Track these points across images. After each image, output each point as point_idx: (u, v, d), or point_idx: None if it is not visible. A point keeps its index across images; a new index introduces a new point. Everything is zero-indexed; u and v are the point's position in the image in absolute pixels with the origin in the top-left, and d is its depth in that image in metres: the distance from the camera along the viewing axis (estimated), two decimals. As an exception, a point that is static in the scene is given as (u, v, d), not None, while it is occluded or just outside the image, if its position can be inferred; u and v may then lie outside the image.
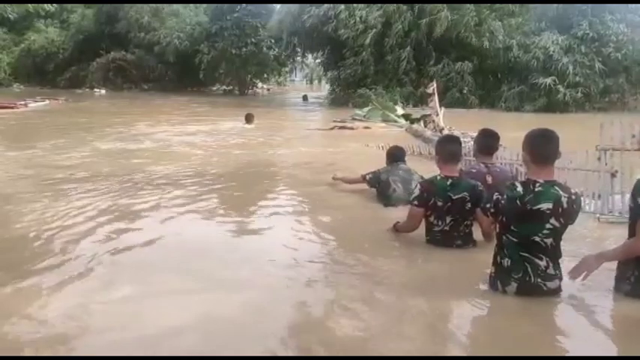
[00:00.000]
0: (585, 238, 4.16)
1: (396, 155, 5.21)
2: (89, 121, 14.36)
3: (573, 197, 2.91)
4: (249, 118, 13.51)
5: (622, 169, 4.80)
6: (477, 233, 3.77)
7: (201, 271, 3.40)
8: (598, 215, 4.67)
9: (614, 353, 2.56)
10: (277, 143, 10.59)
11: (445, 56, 21.75)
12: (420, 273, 3.56)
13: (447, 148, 3.83)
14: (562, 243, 3.00)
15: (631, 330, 2.72)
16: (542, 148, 2.94)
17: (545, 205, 2.85)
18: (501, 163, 5.61)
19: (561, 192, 2.89)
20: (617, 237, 4.11)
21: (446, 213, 3.66)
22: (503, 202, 2.95)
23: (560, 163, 5.30)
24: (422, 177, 4.66)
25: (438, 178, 3.74)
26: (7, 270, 3.29)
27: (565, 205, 2.86)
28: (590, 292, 3.02)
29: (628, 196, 4.75)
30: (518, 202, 2.88)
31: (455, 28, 20.97)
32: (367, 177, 5.15)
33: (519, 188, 2.92)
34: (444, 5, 20.76)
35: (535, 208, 2.85)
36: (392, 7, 21.26)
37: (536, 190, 2.87)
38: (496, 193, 3.03)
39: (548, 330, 2.72)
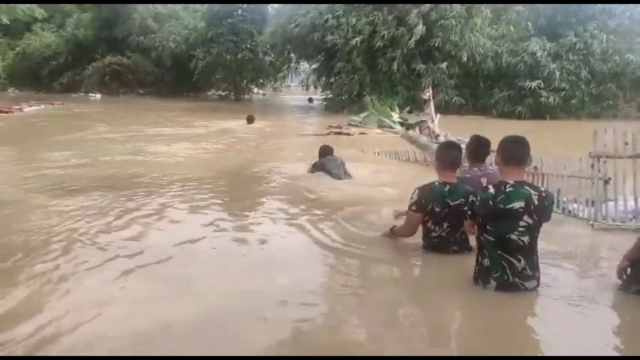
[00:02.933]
0: (579, 245, 4.21)
1: (326, 152, 7.25)
2: (81, 125, 14.36)
3: (544, 195, 3.10)
4: (250, 119, 15.08)
5: (615, 176, 4.87)
6: (473, 239, 3.80)
7: (192, 272, 3.43)
8: (592, 222, 4.72)
9: (617, 352, 2.61)
10: (272, 148, 10.63)
11: (433, 63, 21.85)
12: (415, 276, 3.60)
13: (448, 154, 3.86)
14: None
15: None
16: (512, 151, 3.15)
17: (518, 204, 3.02)
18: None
19: (531, 190, 3.07)
20: (610, 243, 4.19)
21: (443, 219, 3.69)
22: (477, 203, 3.13)
23: (554, 169, 5.41)
24: (343, 161, 7.05)
25: (436, 183, 3.76)
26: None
27: (536, 202, 3.03)
28: (592, 292, 3.13)
29: (621, 202, 4.85)
30: (490, 202, 3.06)
31: (441, 38, 21.21)
32: (310, 168, 7.09)
33: (491, 190, 3.11)
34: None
35: (508, 207, 3.03)
36: (378, 15, 21.48)
37: (507, 190, 3.05)
38: (471, 196, 3.22)
39: (548, 330, 2.76)
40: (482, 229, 3.14)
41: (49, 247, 3.89)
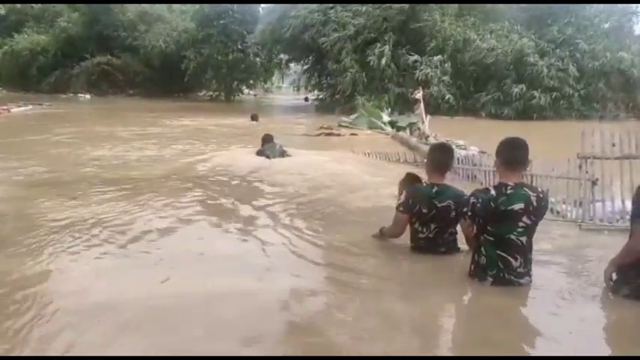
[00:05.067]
0: (567, 245, 4.22)
1: (267, 139, 8.73)
2: (75, 126, 14.25)
3: (541, 195, 3.19)
4: (254, 117, 16.47)
5: (602, 177, 4.90)
6: (462, 241, 3.80)
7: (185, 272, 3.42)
8: (579, 223, 4.74)
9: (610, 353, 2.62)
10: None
11: (424, 62, 21.95)
12: (403, 277, 3.59)
13: (438, 156, 3.83)
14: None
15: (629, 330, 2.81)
16: (512, 154, 3.22)
17: (518, 206, 3.09)
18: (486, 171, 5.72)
19: (530, 192, 3.15)
20: (597, 244, 4.22)
21: (430, 220, 3.66)
22: (478, 205, 3.16)
23: (543, 170, 5.43)
24: (281, 146, 8.63)
25: (424, 185, 3.76)
26: None
27: (535, 204, 3.11)
28: (580, 292, 3.17)
29: (608, 203, 4.89)
30: (492, 204, 3.11)
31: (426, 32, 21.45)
32: (257, 152, 8.52)
33: (492, 192, 3.17)
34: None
35: (509, 208, 3.09)
36: (364, 9, 21.73)
37: (508, 192, 3.11)
38: (472, 197, 3.25)
39: (537, 330, 2.76)
40: (482, 230, 3.20)
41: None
